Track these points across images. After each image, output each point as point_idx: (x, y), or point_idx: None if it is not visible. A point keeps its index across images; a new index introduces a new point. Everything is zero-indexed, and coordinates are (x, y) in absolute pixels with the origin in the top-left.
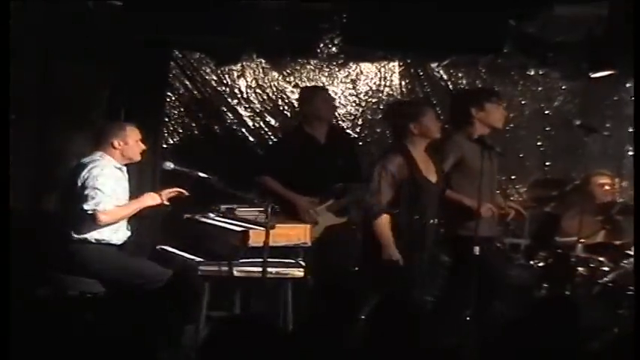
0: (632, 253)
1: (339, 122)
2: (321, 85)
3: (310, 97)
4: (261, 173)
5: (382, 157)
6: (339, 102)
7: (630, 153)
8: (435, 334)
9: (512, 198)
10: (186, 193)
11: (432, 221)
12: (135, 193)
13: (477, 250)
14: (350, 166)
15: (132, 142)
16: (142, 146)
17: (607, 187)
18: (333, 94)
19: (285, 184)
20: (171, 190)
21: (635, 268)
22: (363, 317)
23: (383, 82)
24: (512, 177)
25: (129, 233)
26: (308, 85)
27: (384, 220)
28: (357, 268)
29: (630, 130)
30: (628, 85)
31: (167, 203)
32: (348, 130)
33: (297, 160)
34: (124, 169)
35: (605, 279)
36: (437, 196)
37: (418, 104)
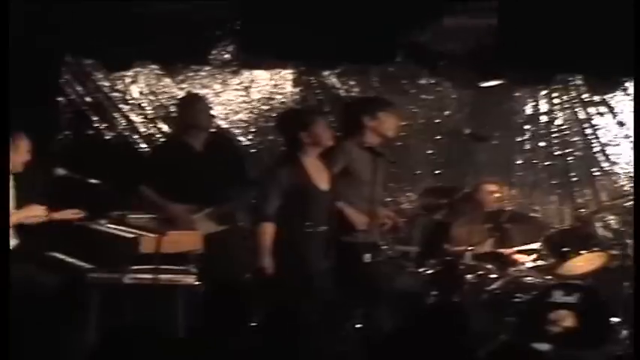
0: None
1: (231, 129)
2: (210, 92)
3: (187, 105)
4: (139, 181)
5: (272, 165)
6: (232, 109)
7: (519, 162)
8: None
9: (402, 206)
10: (80, 215)
11: (321, 229)
12: (25, 199)
13: (367, 257)
14: (232, 173)
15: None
16: (27, 157)
17: (495, 196)
18: (225, 101)
19: (163, 192)
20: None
21: (635, 268)
22: (253, 325)
23: (276, 90)
24: (403, 185)
25: (16, 240)
26: (190, 92)
27: (265, 229)
28: (248, 276)
29: (519, 139)
30: (517, 94)
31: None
32: (234, 138)
33: (174, 168)
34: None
35: (492, 286)
36: (327, 204)
37: (309, 113)
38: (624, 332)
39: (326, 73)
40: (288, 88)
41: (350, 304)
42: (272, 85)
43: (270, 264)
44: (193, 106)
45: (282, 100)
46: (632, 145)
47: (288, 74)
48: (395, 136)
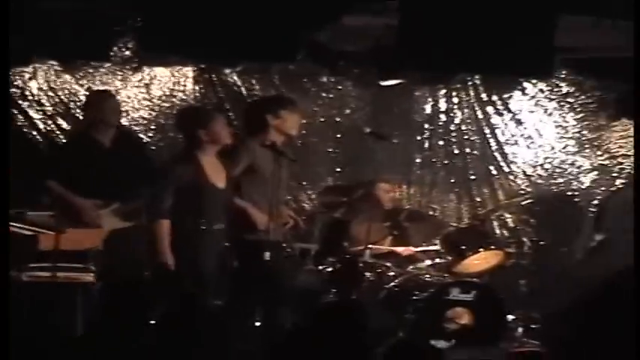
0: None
1: (132, 126)
2: (111, 89)
3: (96, 101)
4: (46, 177)
5: (168, 162)
6: (133, 106)
7: (418, 161)
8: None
9: (302, 204)
10: None
11: (218, 226)
12: None
13: (267, 255)
14: (138, 170)
15: None
16: None
17: (395, 194)
18: (125, 98)
19: (70, 187)
20: None
21: (635, 268)
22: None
23: (176, 87)
24: (304, 183)
25: None
26: (98, 89)
27: (161, 226)
28: (146, 273)
29: (418, 138)
30: (416, 93)
31: None
32: (139, 135)
33: (82, 164)
34: None
35: (391, 284)
36: (224, 201)
37: (207, 111)
38: (520, 329)
39: (227, 71)
40: (189, 85)
41: (250, 302)
42: (173, 82)
43: (169, 261)
44: (103, 102)
45: (183, 98)
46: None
47: (189, 72)
48: (298, 134)
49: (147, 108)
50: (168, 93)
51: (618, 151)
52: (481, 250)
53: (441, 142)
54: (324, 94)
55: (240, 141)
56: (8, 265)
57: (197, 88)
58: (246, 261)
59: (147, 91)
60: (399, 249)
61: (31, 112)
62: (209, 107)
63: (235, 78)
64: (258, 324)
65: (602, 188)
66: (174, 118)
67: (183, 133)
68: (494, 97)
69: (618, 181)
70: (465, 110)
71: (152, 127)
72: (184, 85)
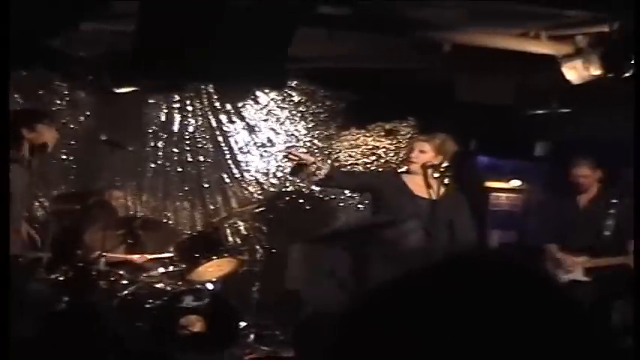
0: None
1: None
2: None
3: None
4: None
5: None
6: None
7: (152, 168)
8: None
9: (35, 212)
10: None
11: None
12: None
13: None
14: None
15: None
16: None
17: (129, 202)
18: None
19: None
20: None
21: (635, 268)
22: None
23: None
24: (36, 191)
25: None
26: None
27: None
28: None
29: (152, 145)
30: (151, 101)
31: None
32: None
33: None
34: None
35: (124, 292)
36: None
37: None
38: (251, 336)
39: None
40: None
41: None
42: None
43: None
44: None
45: None
46: (263, 152)
47: None
48: (53, 148)
49: None
50: None
51: (348, 160)
52: (214, 257)
53: (175, 150)
54: (57, 101)
55: None
56: (8, 266)
57: None
58: None
59: None
60: (134, 257)
61: None
62: None
63: None
64: None
65: (332, 197)
66: None
67: None
68: (228, 106)
69: (347, 190)
70: (199, 118)
71: None
72: None
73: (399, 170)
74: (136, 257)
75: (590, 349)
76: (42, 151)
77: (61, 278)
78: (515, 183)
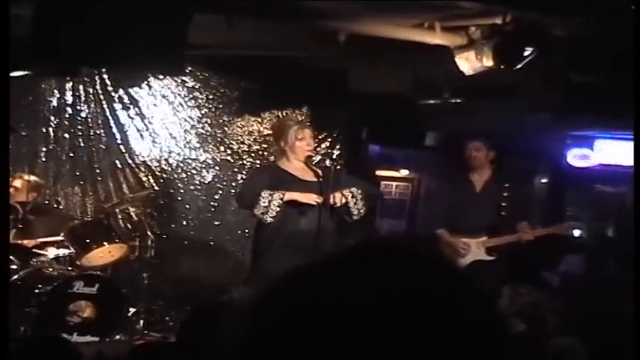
0: (41, 251)
1: None
2: None
3: None
4: None
5: None
6: None
7: (44, 153)
8: None
9: None
10: None
11: None
12: None
13: None
14: None
15: None
16: None
17: (20, 187)
18: None
19: None
20: None
21: (635, 267)
22: None
23: None
24: None
25: None
26: None
27: None
28: None
29: (44, 130)
30: (43, 85)
31: None
32: None
33: None
34: None
35: (14, 277)
36: None
37: None
38: (141, 322)
39: None
40: None
41: None
42: None
43: None
44: None
45: None
46: (156, 138)
47: None
48: None
49: None
50: None
51: (240, 147)
52: (105, 243)
53: (66, 135)
54: None
55: None
56: (8, 267)
57: None
58: None
59: None
60: (24, 241)
61: None
62: None
63: None
64: None
65: (224, 183)
66: None
67: None
68: (121, 91)
69: (239, 176)
70: (92, 104)
71: None
72: None
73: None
74: (26, 242)
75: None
76: None
77: None
78: (405, 172)
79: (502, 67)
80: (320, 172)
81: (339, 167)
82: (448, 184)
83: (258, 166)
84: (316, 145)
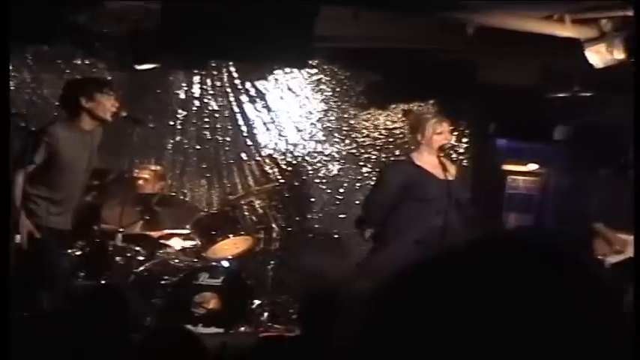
0: (167, 243)
1: None
2: None
3: None
4: None
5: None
6: None
7: (171, 145)
8: None
9: None
10: None
11: None
12: None
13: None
14: None
15: None
16: None
17: (148, 178)
18: None
19: None
20: None
21: (635, 267)
22: None
23: None
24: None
25: None
26: None
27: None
28: None
29: (171, 123)
30: (171, 78)
31: None
32: None
33: None
34: None
35: (140, 268)
36: None
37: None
38: (265, 314)
39: None
40: None
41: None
42: None
43: None
44: None
45: None
46: (282, 131)
47: None
48: (112, 118)
49: None
50: None
51: (365, 141)
52: (231, 235)
53: (193, 128)
54: (78, 77)
55: (50, 123)
56: (8, 264)
57: None
58: None
59: None
60: (151, 233)
61: None
62: None
63: None
64: None
65: (350, 176)
66: None
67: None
68: (248, 84)
69: (364, 170)
70: (219, 96)
71: None
72: None
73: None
74: (152, 233)
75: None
76: (100, 121)
77: (78, 253)
78: (534, 166)
79: (633, 60)
80: (449, 167)
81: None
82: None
83: (384, 160)
84: None
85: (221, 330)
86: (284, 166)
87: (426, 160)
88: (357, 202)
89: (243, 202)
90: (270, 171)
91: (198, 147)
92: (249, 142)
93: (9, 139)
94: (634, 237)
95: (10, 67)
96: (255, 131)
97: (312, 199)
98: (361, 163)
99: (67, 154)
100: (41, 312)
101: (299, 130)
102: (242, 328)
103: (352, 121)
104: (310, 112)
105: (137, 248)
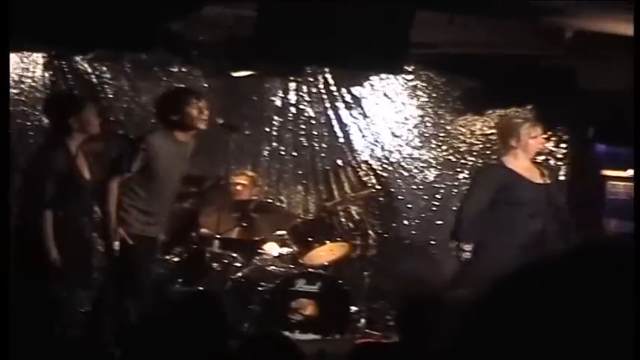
0: (264, 249)
1: None
2: None
3: None
4: None
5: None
6: None
7: (267, 152)
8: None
9: None
10: None
11: (82, 219)
12: None
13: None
14: None
15: None
16: None
17: (244, 185)
18: None
19: None
20: None
21: (635, 266)
22: None
23: (25, 74)
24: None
25: None
26: None
27: (46, 217)
28: None
29: (267, 129)
30: (267, 85)
31: None
32: None
33: None
34: None
35: (237, 275)
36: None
37: (78, 99)
38: (362, 320)
39: (78, 58)
40: (39, 72)
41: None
42: (22, 68)
43: (55, 254)
44: None
45: (32, 85)
46: (378, 137)
47: (38, 58)
48: (205, 127)
49: None
50: (16, 79)
51: (461, 147)
52: (327, 241)
53: (289, 135)
54: (175, 84)
55: (150, 132)
56: (8, 264)
57: (47, 75)
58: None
59: None
60: (247, 239)
61: None
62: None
63: (86, 65)
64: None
65: (447, 183)
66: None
67: (53, 121)
68: (344, 91)
69: (461, 176)
70: (315, 103)
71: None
72: (33, 72)
73: (502, 157)
74: (249, 240)
75: None
76: (196, 130)
77: (176, 259)
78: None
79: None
80: (546, 171)
81: (564, 167)
82: None
83: (480, 165)
84: None
85: (318, 336)
86: (380, 172)
87: (519, 163)
88: (454, 208)
89: (339, 209)
90: (366, 177)
91: (294, 153)
92: (346, 149)
93: (9, 139)
94: (634, 237)
95: (109, 76)
96: (351, 137)
97: (409, 206)
98: (458, 169)
99: (162, 164)
100: (143, 319)
101: (395, 136)
102: (339, 335)
103: (449, 127)
104: (406, 118)
105: (234, 254)
